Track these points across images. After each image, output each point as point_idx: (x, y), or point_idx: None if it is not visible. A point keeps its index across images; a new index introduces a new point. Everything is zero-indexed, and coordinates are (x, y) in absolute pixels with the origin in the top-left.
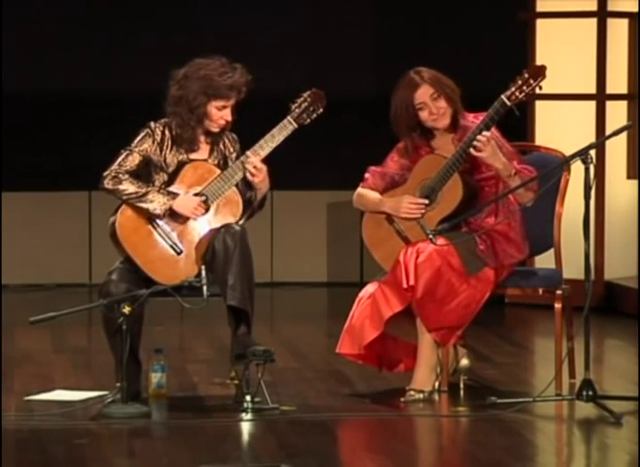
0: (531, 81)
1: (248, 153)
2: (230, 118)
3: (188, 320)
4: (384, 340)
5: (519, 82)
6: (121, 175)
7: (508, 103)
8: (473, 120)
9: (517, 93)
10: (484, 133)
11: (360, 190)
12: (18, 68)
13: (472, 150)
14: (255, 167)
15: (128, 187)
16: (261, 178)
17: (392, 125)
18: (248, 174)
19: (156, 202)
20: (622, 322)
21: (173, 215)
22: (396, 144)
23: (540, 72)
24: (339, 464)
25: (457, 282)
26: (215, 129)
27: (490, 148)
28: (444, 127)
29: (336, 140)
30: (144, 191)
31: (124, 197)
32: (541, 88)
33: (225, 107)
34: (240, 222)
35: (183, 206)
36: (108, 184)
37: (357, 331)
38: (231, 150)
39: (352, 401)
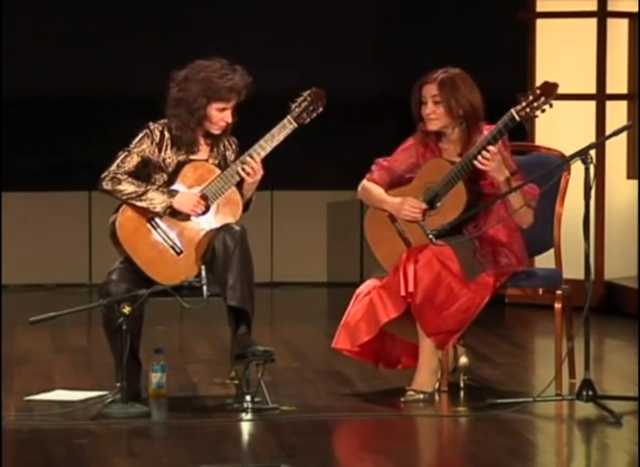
0: (542, 98)
1: (248, 154)
2: (230, 120)
3: (188, 320)
4: (382, 336)
5: (531, 97)
6: (119, 176)
7: (517, 118)
8: (483, 131)
9: (527, 109)
10: (490, 149)
11: (365, 183)
12: (18, 68)
13: (477, 163)
14: (252, 168)
15: (127, 187)
16: (255, 179)
17: None
18: (244, 173)
19: (155, 201)
20: (622, 322)
21: (173, 214)
22: (401, 142)
23: (552, 90)
24: (339, 464)
25: (457, 287)
26: (215, 131)
27: (495, 162)
28: (433, 130)
29: (336, 140)
30: (143, 189)
31: (124, 198)
32: (552, 106)
33: (225, 109)
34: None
35: (183, 204)
36: (107, 185)
37: (352, 328)
38: (231, 152)
39: (352, 401)
